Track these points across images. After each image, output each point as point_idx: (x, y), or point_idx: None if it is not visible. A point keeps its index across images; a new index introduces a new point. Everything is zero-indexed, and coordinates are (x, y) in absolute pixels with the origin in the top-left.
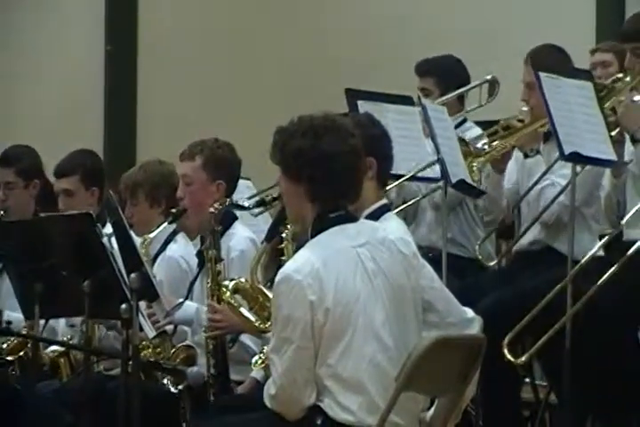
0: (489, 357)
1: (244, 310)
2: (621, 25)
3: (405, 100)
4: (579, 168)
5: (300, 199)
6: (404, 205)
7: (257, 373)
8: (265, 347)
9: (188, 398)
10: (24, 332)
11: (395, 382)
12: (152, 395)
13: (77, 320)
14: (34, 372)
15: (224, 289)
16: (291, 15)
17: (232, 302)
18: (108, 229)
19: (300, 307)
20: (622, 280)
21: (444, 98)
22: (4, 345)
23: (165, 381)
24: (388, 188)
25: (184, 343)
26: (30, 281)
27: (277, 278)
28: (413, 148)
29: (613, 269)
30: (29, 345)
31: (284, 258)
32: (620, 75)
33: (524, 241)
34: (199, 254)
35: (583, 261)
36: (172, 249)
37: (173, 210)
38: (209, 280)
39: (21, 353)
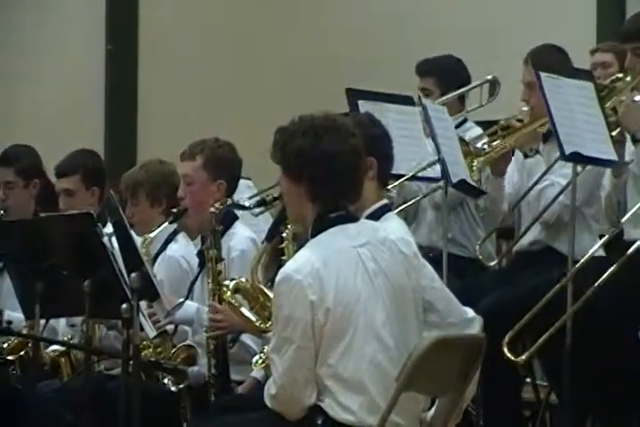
0: (489, 357)
1: (244, 310)
2: (622, 25)
3: (406, 100)
4: (579, 168)
5: (300, 199)
6: (405, 205)
7: (257, 372)
8: (265, 347)
9: (188, 397)
10: (24, 332)
11: (395, 382)
12: (153, 395)
13: (78, 320)
14: (34, 371)
15: (225, 289)
16: (291, 13)
17: (233, 301)
18: (109, 228)
19: (301, 307)
20: (622, 280)
21: (444, 98)
22: (5, 345)
23: (166, 380)
24: (388, 187)
25: (185, 343)
26: (31, 281)
27: (278, 278)
28: (414, 148)
29: (613, 268)
30: (30, 345)
31: (284, 258)
32: (620, 75)
33: (525, 241)
34: (200, 254)
35: (583, 259)
36: (173, 249)
37: (174, 210)
38: (210, 280)
39: (22, 353)
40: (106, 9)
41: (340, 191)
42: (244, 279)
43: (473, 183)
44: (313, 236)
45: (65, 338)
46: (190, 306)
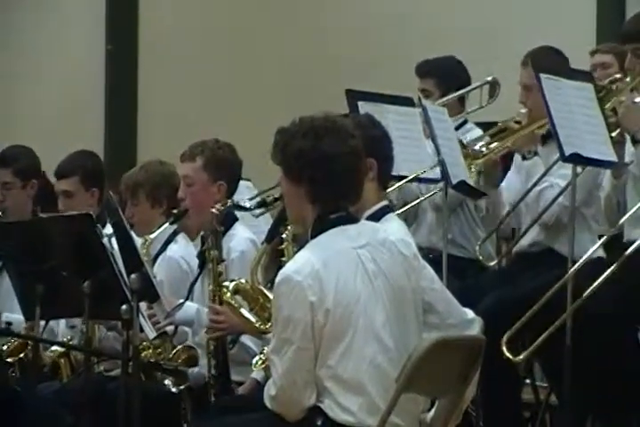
0: (489, 358)
1: (244, 311)
2: (622, 26)
3: (406, 101)
4: (579, 169)
5: (300, 200)
6: (405, 207)
7: (257, 373)
8: (265, 348)
9: (188, 398)
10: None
11: (395, 383)
12: (152, 396)
13: (78, 321)
14: (34, 373)
15: (224, 290)
16: (291, 13)
17: (232, 302)
18: (109, 229)
19: (301, 308)
20: (622, 280)
21: (444, 99)
22: (5, 347)
23: (167, 382)
24: (389, 190)
25: (185, 344)
26: (31, 282)
27: (278, 279)
28: (414, 149)
29: (612, 268)
30: (29, 347)
31: (284, 259)
32: (618, 75)
33: (524, 243)
34: (200, 255)
35: (583, 259)
36: (173, 249)
37: (175, 211)
38: (210, 281)
39: (21, 355)
40: (106, 9)
41: (340, 192)
42: (243, 280)
43: (473, 184)
44: (313, 237)
45: (64, 339)
46: (190, 307)
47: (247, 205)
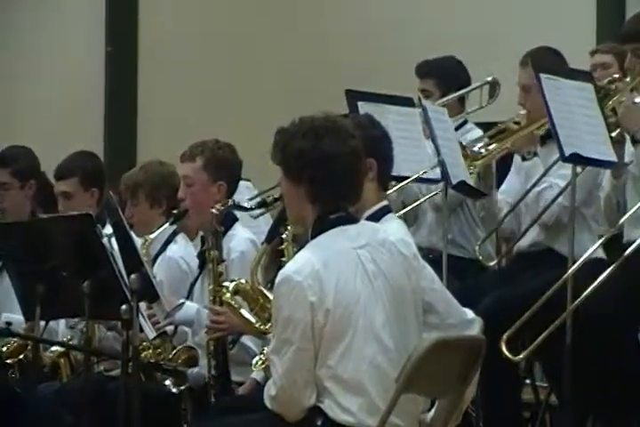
0: (489, 358)
1: (244, 312)
2: (622, 26)
3: (406, 102)
4: (579, 169)
5: (300, 200)
6: (406, 209)
7: (257, 374)
8: (265, 348)
9: (189, 399)
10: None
11: (395, 383)
12: (152, 396)
13: (76, 321)
14: (34, 373)
15: (224, 290)
16: (291, 18)
17: (232, 303)
18: (109, 229)
19: (301, 308)
20: (622, 280)
21: (444, 99)
22: (4, 348)
23: (167, 382)
24: (388, 192)
25: (186, 344)
26: (31, 282)
27: (278, 280)
28: (414, 149)
29: (611, 268)
30: (29, 348)
31: (284, 259)
32: (616, 75)
33: (524, 243)
34: (200, 255)
35: (583, 258)
36: (172, 250)
37: (175, 211)
38: (211, 281)
39: (21, 356)
40: (106, 11)
41: (340, 192)
42: (243, 281)
43: (473, 184)
44: (313, 237)
45: (64, 339)
46: (190, 307)
47: (247, 205)
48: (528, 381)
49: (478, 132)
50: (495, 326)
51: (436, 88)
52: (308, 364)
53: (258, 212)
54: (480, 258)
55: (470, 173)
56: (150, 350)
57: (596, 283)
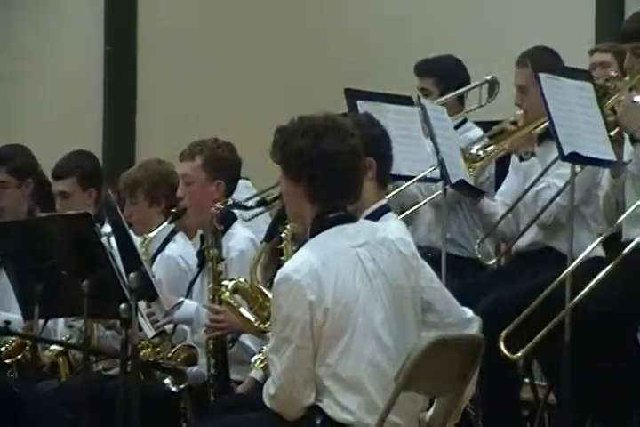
0: (488, 357)
1: (243, 311)
2: (621, 25)
3: (405, 101)
4: (578, 168)
5: (299, 199)
6: (407, 212)
7: (256, 373)
8: (264, 347)
9: (188, 397)
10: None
11: (394, 382)
12: (152, 395)
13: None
14: (33, 373)
15: (224, 289)
16: (291, 15)
17: (231, 302)
18: (107, 228)
19: (300, 307)
20: (620, 279)
21: (443, 98)
22: (3, 348)
23: (166, 381)
24: (388, 196)
25: (185, 343)
26: (30, 281)
27: (276, 278)
28: (413, 148)
29: (610, 266)
30: (27, 347)
31: (283, 258)
32: (613, 73)
33: (523, 242)
34: (200, 254)
35: (581, 256)
36: (171, 248)
37: (174, 210)
38: (210, 280)
39: (19, 356)
40: (105, 10)
41: (339, 191)
42: (242, 279)
43: (472, 184)
44: (312, 236)
45: (63, 338)
46: (190, 305)
47: (247, 204)
48: (527, 379)
49: (477, 131)
50: (494, 324)
51: (435, 87)
52: (307, 363)
53: (251, 213)
54: (479, 257)
55: (470, 175)
56: (149, 349)
57: (594, 281)
